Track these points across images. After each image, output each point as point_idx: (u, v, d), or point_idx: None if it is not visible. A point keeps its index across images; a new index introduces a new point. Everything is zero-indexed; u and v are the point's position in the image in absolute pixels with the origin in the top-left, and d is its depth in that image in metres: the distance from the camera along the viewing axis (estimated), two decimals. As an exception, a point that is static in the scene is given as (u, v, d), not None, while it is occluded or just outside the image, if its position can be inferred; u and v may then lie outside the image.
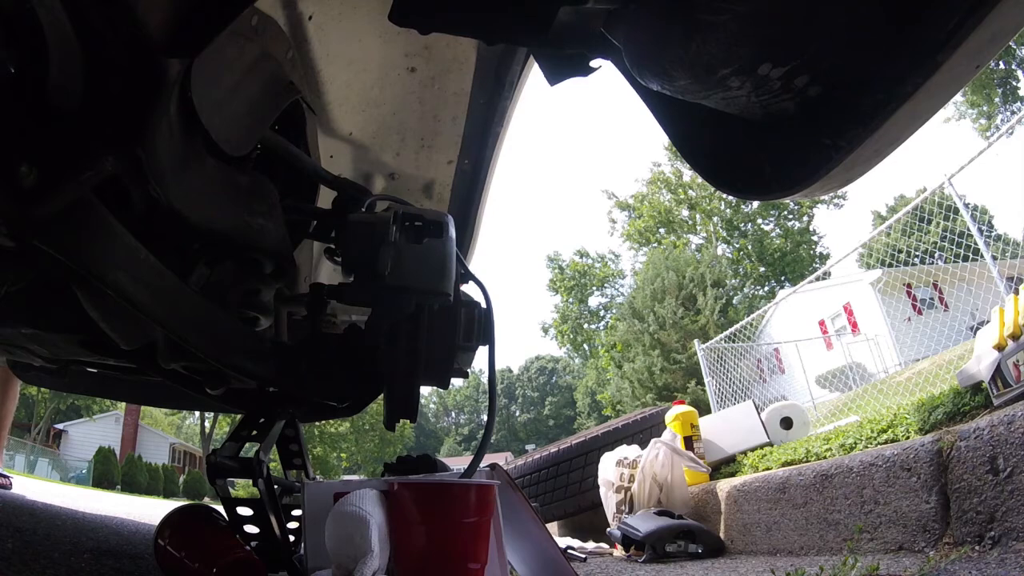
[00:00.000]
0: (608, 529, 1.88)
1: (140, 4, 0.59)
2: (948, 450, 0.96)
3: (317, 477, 1.60)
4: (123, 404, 16.23)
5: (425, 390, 1.19)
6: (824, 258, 24.26)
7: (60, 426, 27.82)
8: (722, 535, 1.70)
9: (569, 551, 1.73)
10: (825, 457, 1.55)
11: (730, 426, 2.33)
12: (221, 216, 0.83)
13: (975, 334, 1.48)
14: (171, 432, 33.54)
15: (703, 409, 3.77)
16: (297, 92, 0.93)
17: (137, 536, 1.76)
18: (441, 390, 0.99)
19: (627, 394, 17.96)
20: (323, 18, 0.97)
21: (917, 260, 9.32)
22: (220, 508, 0.91)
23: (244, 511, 0.89)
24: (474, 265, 1.64)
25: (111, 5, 0.58)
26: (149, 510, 4.14)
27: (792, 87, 0.44)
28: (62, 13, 0.55)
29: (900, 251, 9.60)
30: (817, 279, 9.11)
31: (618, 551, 1.79)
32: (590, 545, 2.00)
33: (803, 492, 1.35)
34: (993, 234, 8.10)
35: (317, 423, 14.29)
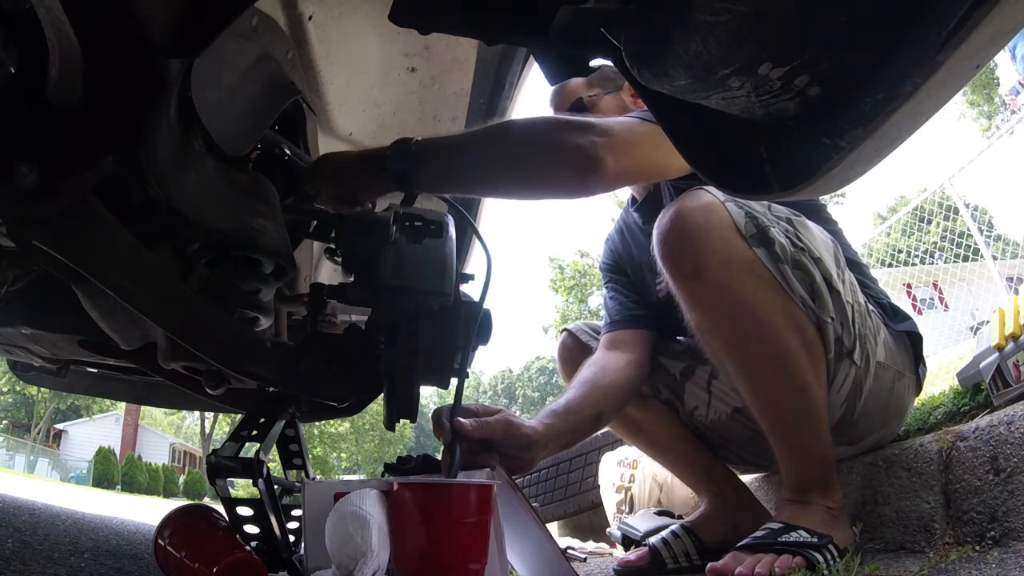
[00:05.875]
0: (608, 529, 1.88)
1: (140, 5, 0.59)
2: (948, 450, 0.96)
3: (317, 477, 1.60)
4: (123, 404, 16.24)
5: (425, 390, 1.19)
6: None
7: (60, 426, 27.83)
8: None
9: (569, 551, 1.73)
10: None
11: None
12: (221, 216, 0.83)
13: (975, 334, 1.48)
14: (171, 432, 33.58)
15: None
16: (297, 92, 0.93)
17: (137, 536, 1.77)
18: (441, 390, 0.99)
19: (627, 394, 17.91)
20: (323, 18, 0.97)
21: (917, 260, 9.31)
22: (220, 508, 0.91)
23: (244, 511, 0.88)
24: (473, 265, 1.64)
25: (111, 6, 0.58)
26: (149, 510, 4.15)
27: (792, 87, 0.44)
28: (62, 13, 0.55)
29: (900, 251, 9.59)
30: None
31: (618, 551, 1.79)
32: (590, 545, 2.00)
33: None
34: (993, 234, 8.09)
35: (317, 423, 14.30)
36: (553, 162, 0.95)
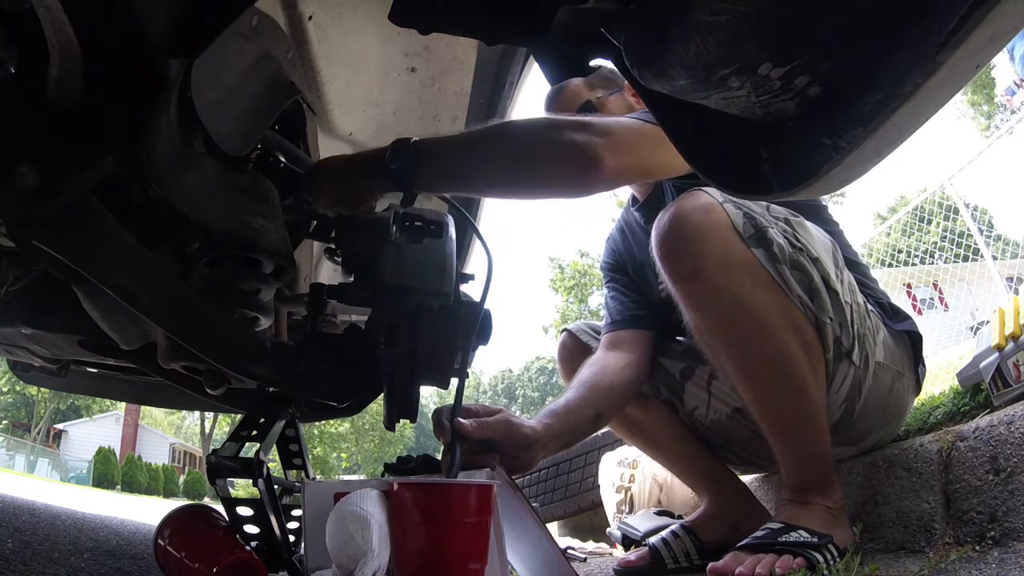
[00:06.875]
0: (608, 529, 1.88)
1: (140, 5, 0.59)
2: (948, 450, 0.96)
3: (317, 477, 1.60)
4: (123, 404, 16.24)
5: (425, 390, 1.19)
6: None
7: (60, 426, 27.82)
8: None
9: (569, 551, 1.73)
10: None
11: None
12: (221, 216, 0.83)
13: (975, 334, 1.48)
14: (171, 432, 33.58)
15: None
16: (297, 92, 0.93)
17: (137, 536, 1.77)
18: (441, 390, 0.99)
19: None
20: (323, 18, 0.97)
21: (917, 260, 9.32)
22: (220, 508, 0.91)
23: (244, 511, 0.89)
24: (474, 265, 1.64)
25: (111, 6, 0.58)
26: (149, 510, 4.15)
27: (792, 87, 0.44)
28: (62, 13, 0.55)
29: (900, 251, 9.59)
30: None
31: (618, 551, 1.79)
32: (590, 545, 2.00)
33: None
34: (993, 234, 8.09)
35: (317, 423, 14.29)
36: (552, 160, 0.95)
